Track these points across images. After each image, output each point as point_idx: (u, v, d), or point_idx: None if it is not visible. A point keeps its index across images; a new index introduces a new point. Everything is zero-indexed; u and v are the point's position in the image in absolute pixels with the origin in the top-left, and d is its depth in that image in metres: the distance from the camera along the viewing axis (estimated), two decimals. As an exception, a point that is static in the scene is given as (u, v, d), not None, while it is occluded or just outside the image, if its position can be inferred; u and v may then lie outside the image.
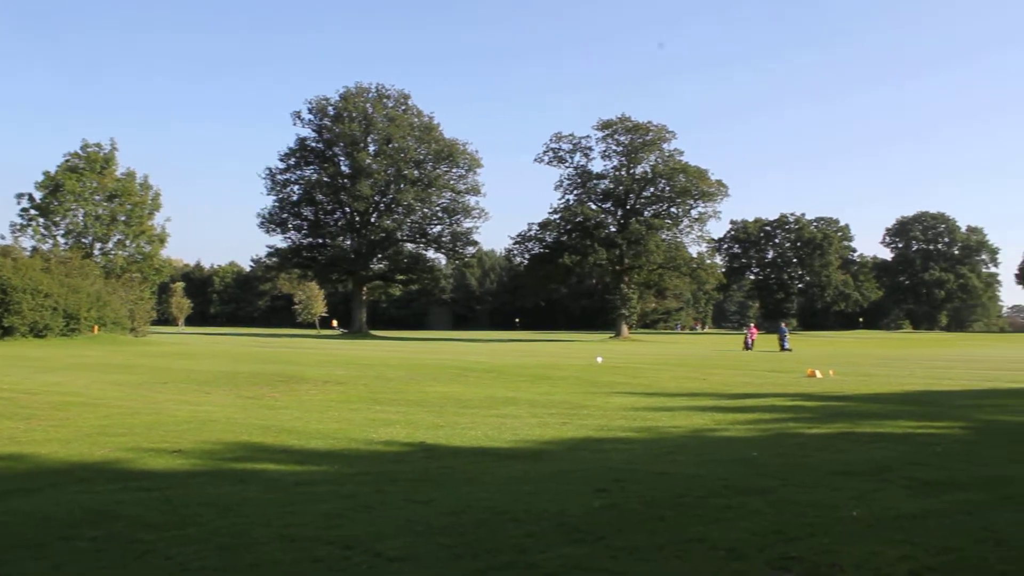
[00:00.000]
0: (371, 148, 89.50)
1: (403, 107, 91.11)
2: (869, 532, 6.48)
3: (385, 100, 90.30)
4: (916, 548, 5.99)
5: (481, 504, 7.41)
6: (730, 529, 6.55)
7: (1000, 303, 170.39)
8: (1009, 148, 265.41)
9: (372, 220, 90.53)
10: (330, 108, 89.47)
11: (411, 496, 7.80)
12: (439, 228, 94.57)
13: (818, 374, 26.10)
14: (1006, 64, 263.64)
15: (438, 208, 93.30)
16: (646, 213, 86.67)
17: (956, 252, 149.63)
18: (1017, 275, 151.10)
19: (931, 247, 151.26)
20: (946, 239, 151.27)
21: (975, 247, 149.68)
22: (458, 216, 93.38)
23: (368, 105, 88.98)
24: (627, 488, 8.20)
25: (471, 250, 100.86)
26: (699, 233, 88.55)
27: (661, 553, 5.87)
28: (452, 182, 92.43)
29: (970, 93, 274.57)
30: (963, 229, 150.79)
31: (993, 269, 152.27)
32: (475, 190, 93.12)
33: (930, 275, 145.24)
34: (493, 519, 6.86)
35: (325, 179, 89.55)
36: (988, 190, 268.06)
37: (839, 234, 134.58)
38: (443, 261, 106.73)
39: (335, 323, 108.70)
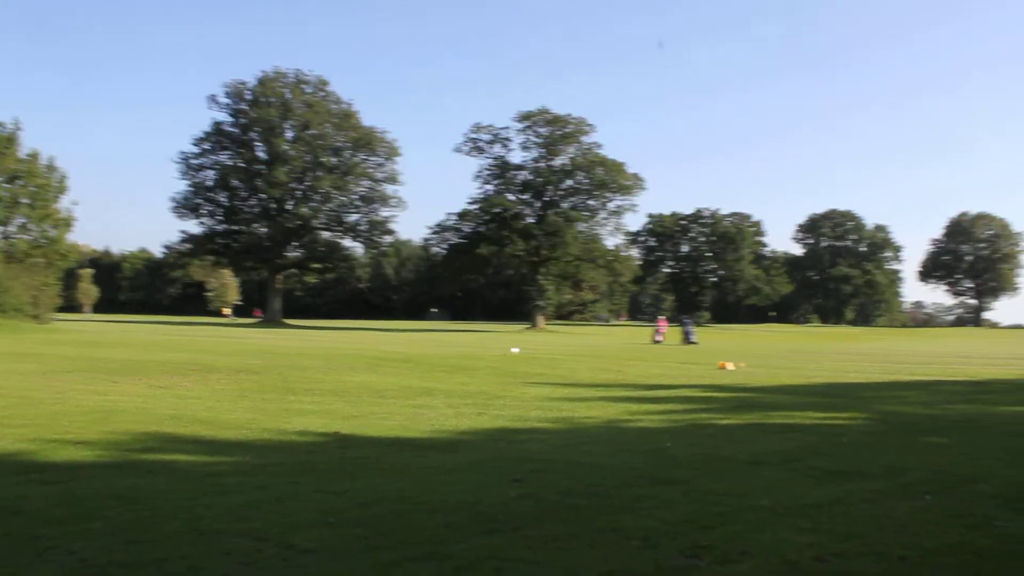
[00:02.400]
0: (288, 134, 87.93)
1: (322, 93, 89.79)
2: (778, 520, 6.63)
3: (303, 86, 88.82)
4: (822, 535, 6.16)
5: (397, 495, 7.36)
6: (644, 518, 6.63)
7: (903, 299, 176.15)
8: (915, 150, 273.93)
9: (288, 207, 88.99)
10: (247, 92, 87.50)
11: (325, 487, 7.71)
12: (356, 216, 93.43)
13: (729, 366, 26.62)
14: (915, 66, 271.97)
15: (355, 196, 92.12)
16: (564, 205, 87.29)
17: (863, 249, 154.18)
18: (919, 272, 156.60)
19: (839, 244, 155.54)
20: (854, 236, 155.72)
21: (881, 244, 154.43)
22: (375, 205, 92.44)
23: (286, 90, 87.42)
24: (543, 478, 8.25)
25: (388, 239, 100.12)
26: (616, 226, 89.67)
27: (576, 542, 5.91)
28: (370, 170, 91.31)
29: (876, 94, 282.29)
30: (870, 227, 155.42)
31: (897, 266, 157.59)
32: (393, 179, 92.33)
33: (838, 271, 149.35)
34: (409, 510, 6.82)
35: (241, 164, 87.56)
36: (893, 190, 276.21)
37: (752, 229, 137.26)
38: (360, 250, 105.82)
39: (226, 311, 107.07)
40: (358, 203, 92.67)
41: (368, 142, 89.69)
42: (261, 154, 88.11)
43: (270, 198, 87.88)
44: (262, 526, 6.21)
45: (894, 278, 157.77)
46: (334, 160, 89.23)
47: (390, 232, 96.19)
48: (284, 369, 22.36)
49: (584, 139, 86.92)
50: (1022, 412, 15.59)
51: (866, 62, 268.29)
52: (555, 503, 7.17)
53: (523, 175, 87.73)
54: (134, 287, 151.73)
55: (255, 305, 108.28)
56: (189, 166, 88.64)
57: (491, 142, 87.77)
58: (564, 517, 6.66)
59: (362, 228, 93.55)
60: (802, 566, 5.42)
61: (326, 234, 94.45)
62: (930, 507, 7.23)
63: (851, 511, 7.00)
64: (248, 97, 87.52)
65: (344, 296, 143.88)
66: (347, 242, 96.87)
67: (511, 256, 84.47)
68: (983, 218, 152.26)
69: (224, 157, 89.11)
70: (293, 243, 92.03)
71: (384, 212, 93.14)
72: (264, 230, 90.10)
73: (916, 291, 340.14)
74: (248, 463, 9.21)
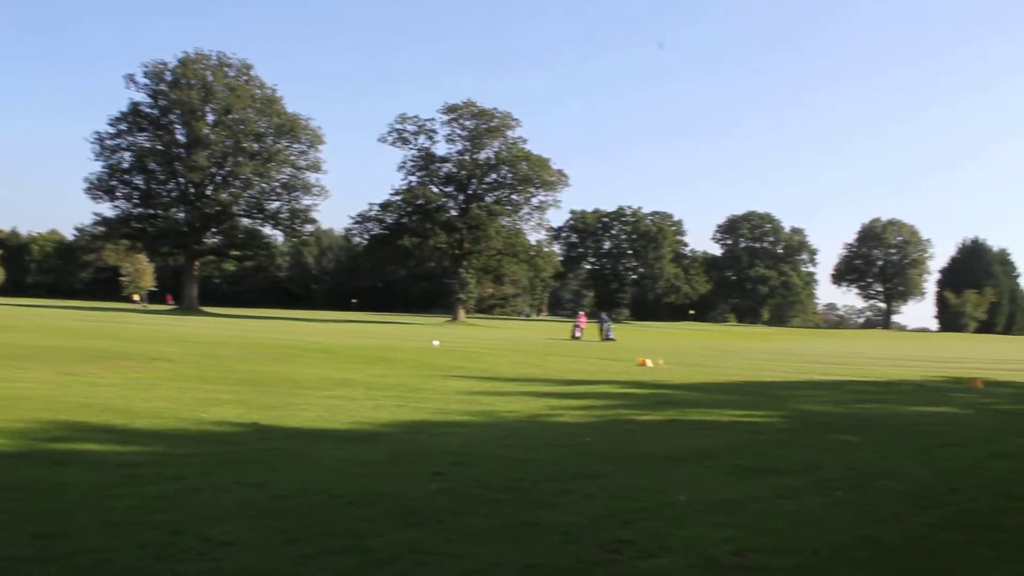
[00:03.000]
0: (209, 118, 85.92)
1: (245, 78, 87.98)
2: (696, 515, 6.75)
3: (226, 69, 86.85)
4: (739, 530, 6.30)
5: (316, 487, 7.27)
6: (564, 512, 6.68)
7: (816, 300, 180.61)
8: (830, 154, 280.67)
9: (207, 193, 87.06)
10: (167, 73, 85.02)
11: (242, 479, 7.57)
12: (277, 204, 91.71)
13: (649, 363, 26.94)
14: (830, 72, 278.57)
15: (277, 184, 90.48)
16: (487, 199, 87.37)
17: (780, 251, 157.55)
18: (832, 275, 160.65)
19: (757, 245, 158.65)
20: (771, 238, 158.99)
21: (797, 247, 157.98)
22: (297, 193, 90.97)
23: (208, 73, 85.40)
24: (464, 471, 8.24)
25: (310, 228, 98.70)
26: (539, 221, 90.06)
27: (497, 536, 5.92)
28: (293, 158, 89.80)
29: (796, 96, 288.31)
30: (787, 229, 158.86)
31: (812, 268, 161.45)
32: (316, 167, 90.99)
33: (755, 272, 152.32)
34: (328, 503, 6.75)
35: (159, 147, 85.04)
36: (809, 194, 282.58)
37: (673, 228, 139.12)
38: (280, 238, 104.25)
39: (136, 297, 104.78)
40: (280, 190, 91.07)
41: (291, 129, 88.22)
42: (180, 137, 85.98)
43: (189, 182, 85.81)
44: (177, 518, 6.07)
45: (809, 280, 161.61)
46: (256, 146, 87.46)
47: (312, 221, 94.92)
48: (200, 358, 21.95)
49: (509, 133, 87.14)
50: (928, 412, 16.10)
51: (788, 64, 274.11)
52: (476, 497, 7.16)
53: (447, 167, 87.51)
54: (43, 270, 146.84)
55: (171, 292, 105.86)
56: (104, 147, 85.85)
57: (416, 133, 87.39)
58: (485, 511, 6.66)
59: (283, 216, 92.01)
60: (720, 561, 5.52)
61: (246, 221, 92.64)
62: (842, 503, 7.43)
63: (767, 507, 7.16)
64: (168, 78, 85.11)
65: (263, 285, 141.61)
66: (267, 230, 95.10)
67: (433, 248, 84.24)
68: (894, 224, 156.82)
69: (142, 139, 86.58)
70: (212, 229, 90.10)
71: (306, 200, 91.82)
72: (182, 215, 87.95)
73: (829, 293, 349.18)
74: (162, 453, 8.99)
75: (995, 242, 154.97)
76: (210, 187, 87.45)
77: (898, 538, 6.29)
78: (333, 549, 5.43)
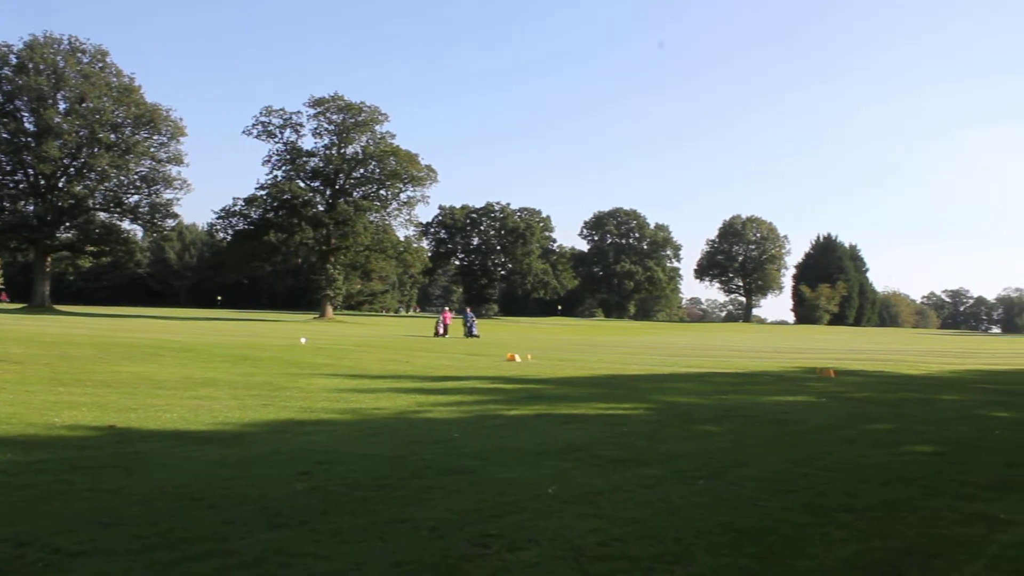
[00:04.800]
0: (61, 106, 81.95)
1: (100, 64, 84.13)
2: (563, 508, 6.84)
3: (79, 55, 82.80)
4: (604, 521, 6.42)
5: (176, 491, 7.05)
6: (432, 509, 6.67)
7: (681, 295, 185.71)
8: (693, 152, 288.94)
9: (60, 185, 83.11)
10: (12, 57, 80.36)
11: (97, 485, 7.26)
12: (136, 198, 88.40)
13: (517, 358, 27.16)
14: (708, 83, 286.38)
15: (136, 176, 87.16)
16: (355, 194, 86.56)
17: (645, 247, 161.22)
18: (695, 270, 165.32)
19: (623, 241, 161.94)
20: (637, 234, 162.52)
21: (661, 243, 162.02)
22: (158, 186, 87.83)
23: (59, 58, 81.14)
24: (330, 470, 8.13)
25: (171, 223, 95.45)
26: (407, 217, 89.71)
27: (364, 534, 5.87)
28: (152, 150, 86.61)
29: (657, 93, 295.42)
30: (652, 226, 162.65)
31: (676, 264, 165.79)
32: (177, 160, 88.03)
33: (621, 267, 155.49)
34: (189, 506, 6.55)
35: (5, 136, 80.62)
36: (674, 191, 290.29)
37: (541, 224, 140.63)
38: (139, 233, 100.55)
39: None
40: (139, 183, 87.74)
41: (151, 120, 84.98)
42: (29, 126, 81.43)
43: (39, 174, 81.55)
44: (24, 529, 5.76)
45: (673, 275, 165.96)
46: (113, 137, 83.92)
47: (173, 215, 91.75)
48: (51, 358, 20.96)
49: (377, 128, 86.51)
50: (784, 401, 16.73)
51: (648, 61, 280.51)
52: (343, 496, 7.08)
53: (314, 162, 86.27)
54: None
55: (21, 289, 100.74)
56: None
57: (282, 127, 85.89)
58: (352, 509, 6.59)
59: (143, 210, 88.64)
60: (586, 551, 5.61)
61: (103, 215, 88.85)
62: (703, 491, 7.66)
63: (631, 497, 7.32)
64: (13, 62, 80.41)
65: (121, 282, 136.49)
66: (126, 224, 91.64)
67: (300, 244, 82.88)
68: (753, 221, 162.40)
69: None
70: (65, 223, 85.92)
71: (167, 194, 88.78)
72: (31, 208, 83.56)
73: (693, 288, 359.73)
74: (9, 461, 8.51)
75: (846, 238, 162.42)
76: (63, 179, 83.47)
77: (755, 523, 6.52)
78: (194, 554, 5.27)
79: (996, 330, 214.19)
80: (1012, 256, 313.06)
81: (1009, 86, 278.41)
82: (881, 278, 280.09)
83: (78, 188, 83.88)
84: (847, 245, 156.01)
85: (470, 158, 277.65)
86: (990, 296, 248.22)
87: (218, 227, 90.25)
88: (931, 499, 7.58)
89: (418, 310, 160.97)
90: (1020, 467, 9.56)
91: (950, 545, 6.08)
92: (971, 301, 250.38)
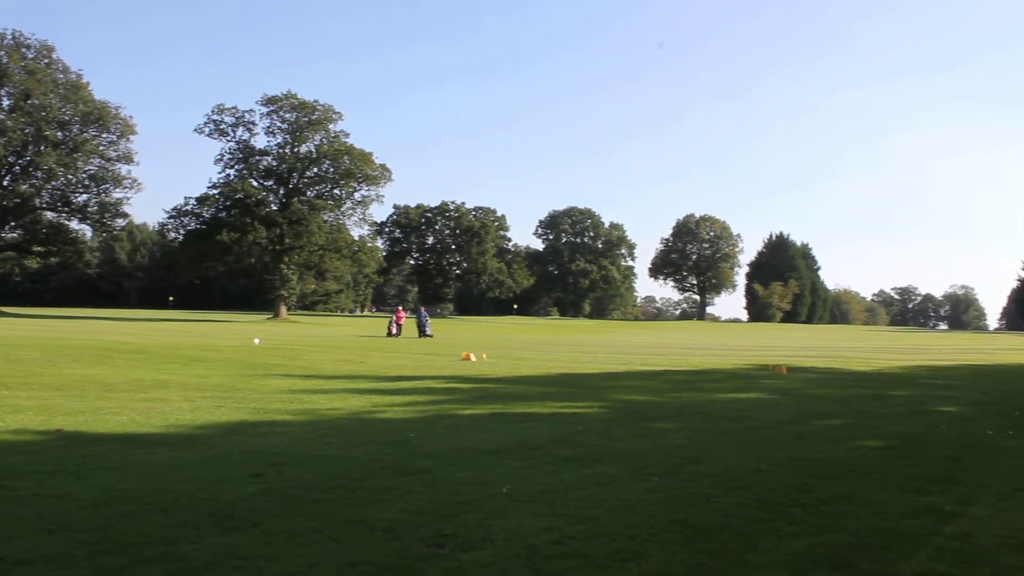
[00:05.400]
0: (5, 102, 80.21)
1: (46, 60, 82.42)
2: (518, 507, 6.84)
3: (24, 50, 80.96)
4: (559, 519, 6.44)
5: (126, 495, 6.94)
6: (386, 509, 6.64)
7: (635, 294, 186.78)
8: (647, 151, 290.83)
9: (4, 183, 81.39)
10: (-49, 51, 78.72)
11: (43, 490, 7.12)
12: (85, 197, 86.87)
13: (472, 357, 27.14)
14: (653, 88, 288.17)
15: (84, 175, 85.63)
16: (309, 193, 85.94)
17: (600, 246, 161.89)
18: (650, 269, 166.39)
19: (578, 240, 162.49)
20: (591, 233, 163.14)
21: (616, 242, 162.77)
22: (107, 185, 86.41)
23: (2, 53, 79.37)
24: (284, 472, 8.06)
25: (121, 222, 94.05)
26: (361, 216, 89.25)
27: (318, 536, 5.83)
28: (102, 148, 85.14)
29: (615, 93, 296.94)
30: (606, 225, 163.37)
31: (630, 263, 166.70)
32: (127, 158, 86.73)
33: (576, 266, 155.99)
34: (139, 510, 6.45)
35: (-55, 132, 78.91)
36: (628, 190, 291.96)
37: (496, 224, 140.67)
38: (88, 233, 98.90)
39: None
40: (87, 182, 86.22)
41: (100, 117, 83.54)
42: (-30, 122, 79.74)
43: (-19, 172, 79.87)
44: (-34, 537, 5.65)
45: (628, 274, 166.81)
46: (60, 135, 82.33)
47: (123, 215, 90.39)
48: (-2, 361, 20.57)
49: (331, 127, 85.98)
50: (738, 398, 16.89)
51: (598, 59, 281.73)
52: (296, 497, 7.02)
53: (267, 161, 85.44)
54: None
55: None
56: None
57: (234, 125, 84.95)
58: (306, 511, 6.54)
59: (91, 210, 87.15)
60: (541, 550, 5.61)
61: (50, 214, 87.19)
62: (657, 488, 7.70)
63: (586, 495, 7.34)
64: (-48, 56, 78.52)
65: (70, 282, 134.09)
66: (74, 224, 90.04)
67: (253, 244, 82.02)
68: (707, 220, 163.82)
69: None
70: (10, 223, 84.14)
71: (117, 193, 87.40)
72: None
73: (647, 286, 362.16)
74: (-47, 466, 8.34)
75: (798, 237, 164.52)
76: (7, 177, 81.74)
77: (709, 519, 6.58)
78: (143, 559, 5.19)
79: (943, 326, 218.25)
80: (959, 254, 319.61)
81: (955, 85, 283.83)
82: (832, 276, 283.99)
83: (24, 187, 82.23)
84: (799, 244, 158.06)
85: (425, 158, 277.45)
86: (938, 293, 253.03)
87: (170, 227, 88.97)
88: (880, 493, 7.70)
89: (374, 309, 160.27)
90: (965, 461, 9.74)
91: (898, 537, 6.19)
92: (919, 298, 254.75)
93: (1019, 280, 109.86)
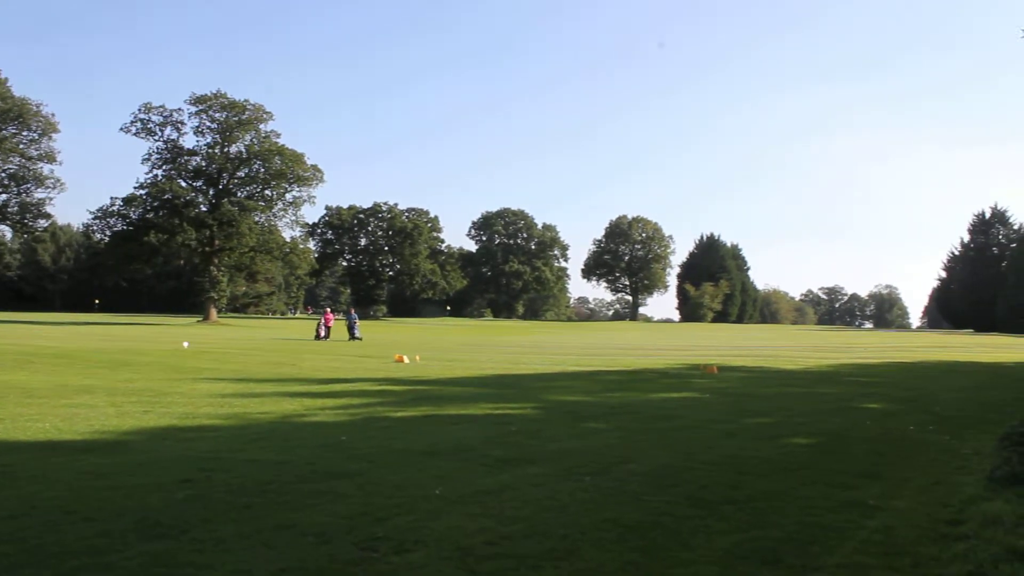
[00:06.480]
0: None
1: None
2: (451, 508, 6.86)
3: (-64, 48, 78.68)
4: (492, 520, 6.47)
5: (48, 504, 6.77)
6: (318, 513, 6.60)
7: (568, 294, 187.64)
8: (580, 153, 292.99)
9: (-84, 184, 78.90)
10: None
11: (-39, 500, 6.92)
12: (4, 197, 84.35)
13: (405, 359, 27.04)
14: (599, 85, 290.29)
15: (3, 175, 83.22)
16: (239, 194, 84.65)
17: (533, 247, 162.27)
18: (583, 270, 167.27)
19: (511, 241, 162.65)
20: (524, 234, 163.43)
21: (549, 243, 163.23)
22: (28, 185, 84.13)
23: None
24: (213, 477, 7.95)
25: (43, 223, 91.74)
26: (293, 217, 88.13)
27: (248, 542, 5.76)
28: (22, 146, 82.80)
29: (546, 95, 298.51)
30: (539, 226, 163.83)
31: (564, 264, 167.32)
32: (50, 157, 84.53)
33: (509, 267, 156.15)
34: (62, 520, 6.30)
35: None
36: (561, 191, 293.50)
37: (429, 225, 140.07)
38: (8, 234, 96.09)
39: None
40: (7, 182, 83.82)
41: (20, 115, 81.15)
42: None
43: None
44: None
45: (561, 275, 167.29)
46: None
47: (45, 215, 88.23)
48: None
49: (262, 127, 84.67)
50: (669, 397, 17.10)
51: (533, 63, 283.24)
52: (226, 503, 6.93)
53: (196, 161, 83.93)
54: None
55: None
56: None
57: (162, 124, 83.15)
58: (235, 517, 6.46)
59: (12, 210, 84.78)
60: (473, 551, 5.63)
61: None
62: (589, 488, 7.77)
63: (519, 496, 7.38)
64: None
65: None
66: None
67: (182, 245, 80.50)
68: (639, 221, 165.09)
69: None
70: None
71: (39, 193, 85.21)
72: None
73: (580, 287, 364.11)
74: None
75: (728, 238, 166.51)
76: (-82, 177, 79.11)
77: (640, 517, 6.66)
78: (66, 570, 5.08)
79: (869, 325, 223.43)
80: (883, 255, 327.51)
81: (881, 87, 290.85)
82: (762, 276, 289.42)
83: (-64, 187, 79.69)
84: (729, 245, 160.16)
85: (357, 159, 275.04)
86: (863, 293, 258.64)
87: (94, 228, 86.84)
88: (807, 488, 7.87)
89: (312, 311, 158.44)
90: (888, 456, 10.00)
91: (824, 531, 6.34)
92: (846, 298, 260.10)
93: (939, 280, 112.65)
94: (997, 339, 61.94)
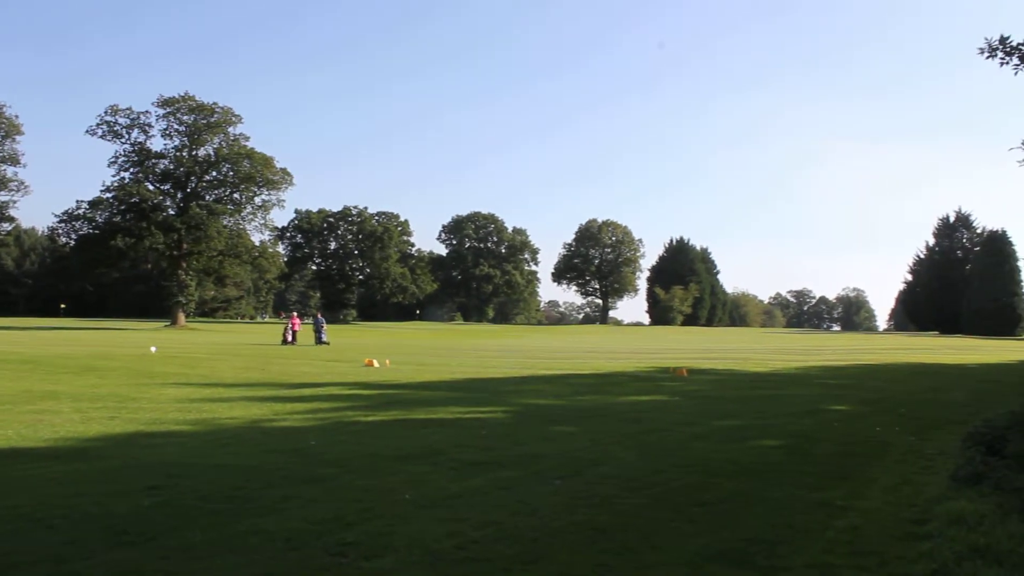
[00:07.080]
0: None
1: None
2: (421, 512, 6.84)
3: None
4: (462, 524, 6.45)
5: (11, 512, 6.68)
6: (287, 519, 6.56)
7: (539, 298, 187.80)
8: (550, 156, 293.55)
9: None
10: None
11: (-79, 509, 6.81)
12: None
13: (376, 363, 26.94)
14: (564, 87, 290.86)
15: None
16: (208, 197, 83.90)
17: (503, 251, 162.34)
18: (553, 273, 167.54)
19: (481, 245, 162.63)
20: (495, 238, 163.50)
21: (519, 247, 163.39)
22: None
23: None
24: (181, 483, 7.88)
25: (6, 227, 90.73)
26: (262, 221, 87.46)
27: (216, 549, 5.71)
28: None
29: (515, 98, 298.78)
30: (510, 230, 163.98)
31: (534, 267, 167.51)
32: (13, 159, 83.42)
33: (480, 271, 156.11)
34: (26, 528, 6.22)
35: None
36: (531, 195, 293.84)
37: (399, 229, 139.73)
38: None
39: None
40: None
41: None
42: None
43: None
44: None
45: (531, 279, 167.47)
46: (-62, 136, 78.88)
47: (9, 219, 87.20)
48: None
49: (231, 130, 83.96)
50: (639, 400, 17.16)
51: (499, 65, 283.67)
52: (194, 509, 6.87)
53: (164, 164, 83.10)
54: None
55: None
56: None
57: (129, 127, 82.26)
58: (203, 523, 6.40)
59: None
60: (443, 555, 5.62)
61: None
62: (560, 491, 7.78)
63: (489, 499, 7.38)
64: None
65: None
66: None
67: (149, 249, 79.64)
68: (609, 225, 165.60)
69: None
70: None
71: (2, 196, 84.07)
72: None
73: (551, 291, 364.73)
74: None
75: (698, 242, 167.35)
76: None
77: (610, 520, 6.68)
78: (30, 578, 5.01)
79: (836, 328, 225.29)
80: (849, 258, 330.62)
81: (848, 91, 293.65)
82: (731, 280, 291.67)
83: (-102, 191, 78.49)
84: (699, 248, 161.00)
85: (327, 162, 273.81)
86: (831, 296, 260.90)
87: (60, 232, 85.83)
88: (776, 489, 7.93)
89: (283, 315, 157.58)
90: (855, 457, 10.10)
91: (793, 532, 6.40)
92: (814, 301, 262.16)
93: (905, 283, 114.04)
94: (962, 341, 62.82)
